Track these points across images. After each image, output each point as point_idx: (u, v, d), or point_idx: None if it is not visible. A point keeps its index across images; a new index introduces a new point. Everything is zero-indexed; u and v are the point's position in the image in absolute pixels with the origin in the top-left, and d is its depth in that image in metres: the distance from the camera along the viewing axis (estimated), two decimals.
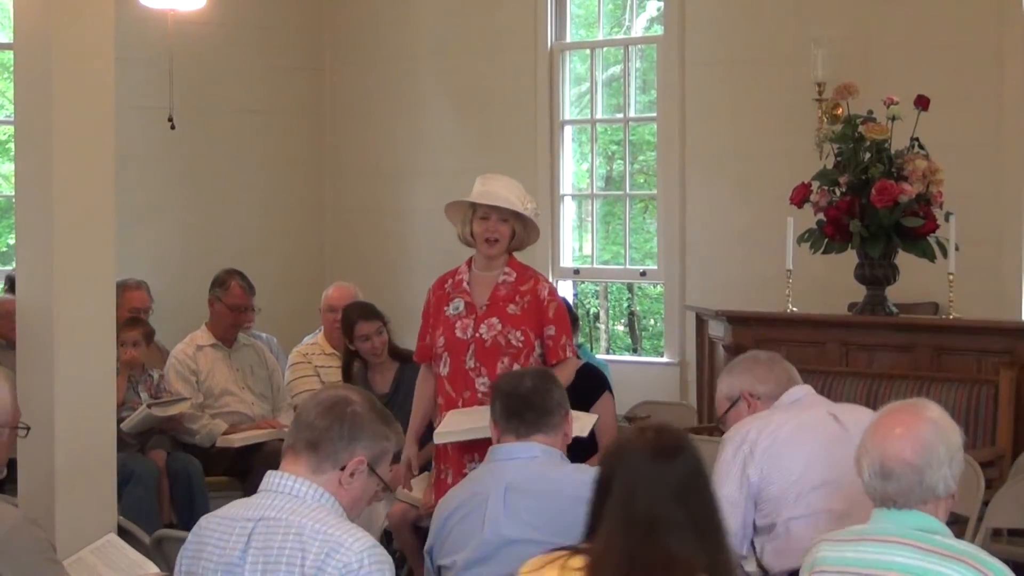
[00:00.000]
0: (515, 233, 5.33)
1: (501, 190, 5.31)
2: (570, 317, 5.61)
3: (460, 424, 5.13)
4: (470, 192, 5.38)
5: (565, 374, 5.27)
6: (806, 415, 4.23)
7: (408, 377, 6.06)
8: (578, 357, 5.52)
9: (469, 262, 5.43)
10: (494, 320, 5.25)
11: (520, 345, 5.22)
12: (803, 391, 4.38)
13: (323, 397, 3.22)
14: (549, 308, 5.29)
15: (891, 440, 3.16)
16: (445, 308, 5.35)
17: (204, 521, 3.21)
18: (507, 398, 4.21)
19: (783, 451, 4.10)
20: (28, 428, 3.92)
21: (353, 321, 6.55)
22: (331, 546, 2.97)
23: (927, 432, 3.15)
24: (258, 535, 3.05)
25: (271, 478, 3.15)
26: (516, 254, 5.44)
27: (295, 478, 3.11)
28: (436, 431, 5.23)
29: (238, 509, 3.16)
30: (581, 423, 5.02)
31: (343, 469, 3.12)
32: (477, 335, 5.24)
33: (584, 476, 3.57)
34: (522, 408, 4.17)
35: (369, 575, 2.96)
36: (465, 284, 5.36)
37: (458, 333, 5.28)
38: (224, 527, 3.13)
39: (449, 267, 5.59)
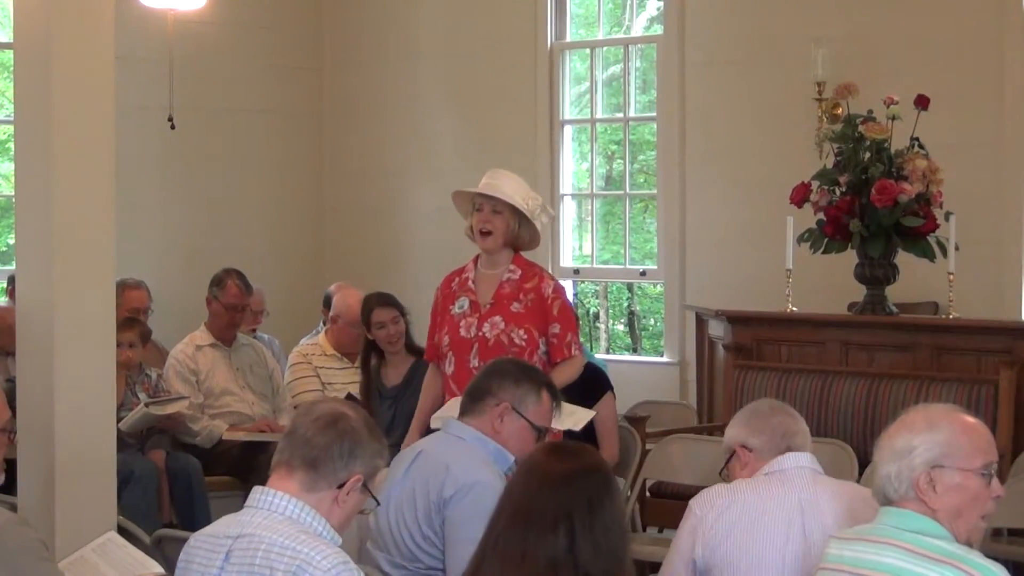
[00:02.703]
0: (511, 227, 5.28)
1: (502, 184, 5.29)
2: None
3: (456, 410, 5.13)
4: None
5: (570, 372, 5.24)
6: (773, 503, 3.74)
7: (420, 374, 6.03)
8: (583, 355, 5.49)
9: (476, 260, 5.41)
10: (497, 319, 5.23)
11: (523, 344, 5.19)
12: (792, 461, 3.84)
13: (320, 412, 3.13)
14: (553, 306, 5.25)
15: (882, 445, 3.23)
16: (451, 307, 5.33)
17: (192, 540, 3.18)
18: None
19: (732, 540, 3.70)
20: (15, 433, 3.88)
21: (371, 307, 6.52)
22: (299, 564, 2.92)
23: (900, 430, 3.18)
24: (236, 552, 3.02)
25: (256, 494, 3.09)
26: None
27: (281, 495, 3.06)
28: (433, 416, 5.19)
29: (222, 527, 3.12)
30: (576, 417, 5.01)
31: (340, 487, 3.07)
32: (480, 334, 5.22)
33: None
34: None
35: None
36: (471, 283, 5.34)
37: (462, 332, 5.26)
38: (208, 545, 3.10)
39: (449, 266, 5.59)
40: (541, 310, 5.24)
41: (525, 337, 5.20)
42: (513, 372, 4.23)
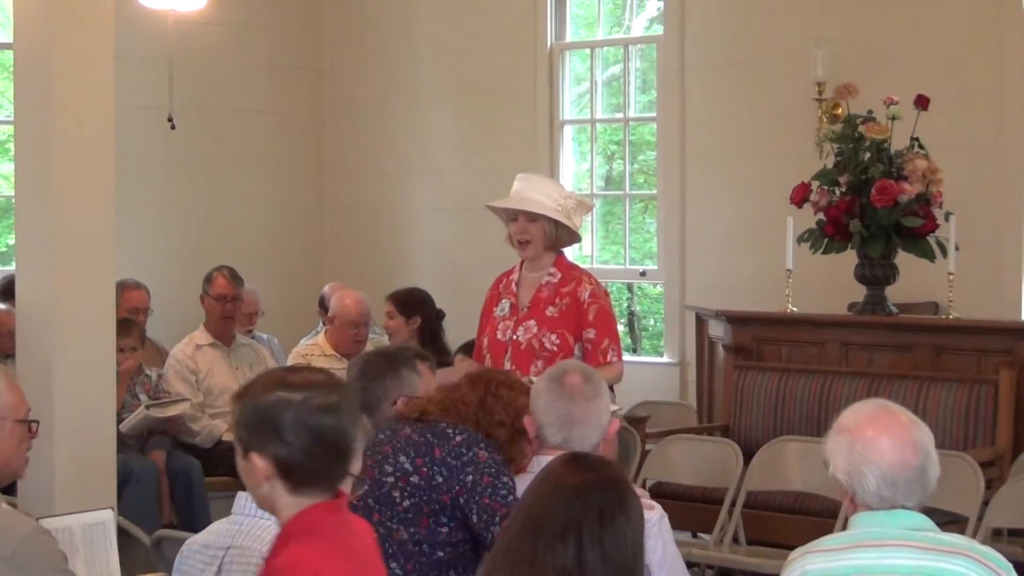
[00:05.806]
0: (547, 232, 5.24)
1: (532, 192, 5.26)
2: None
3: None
4: (483, 191, 5.38)
5: (607, 376, 5.12)
6: None
7: None
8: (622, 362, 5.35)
9: (522, 262, 5.39)
10: (531, 323, 5.21)
11: (555, 348, 5.14)
12: None
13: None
14: (590, 311, 5.19)
15: (893, 450, 3.11)
16: (495, 308, 5.34)
17: (185, 548, 3.18)
18: None
19: None
20: (37, 423, 3.87)
21: None
22: None
23: (918, 434, 3.14)
24: (228, 565, 3.01)
25: (242, 500, 3.07)
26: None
27: None
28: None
29: (212, 536, 3.11)
30: None
31: None
32: (514, 338, 5.21)
33: None
34: None
35: None
36: (514, 285, 5.34)
37: (499, 335, 5.25)
38: (201, 556, 3.10)
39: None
40: (576, 314, 5.19)
41: (557, 342, 5.16)
42: (382, 367, 4.11)
